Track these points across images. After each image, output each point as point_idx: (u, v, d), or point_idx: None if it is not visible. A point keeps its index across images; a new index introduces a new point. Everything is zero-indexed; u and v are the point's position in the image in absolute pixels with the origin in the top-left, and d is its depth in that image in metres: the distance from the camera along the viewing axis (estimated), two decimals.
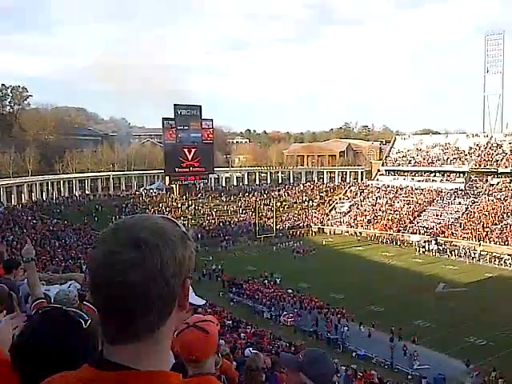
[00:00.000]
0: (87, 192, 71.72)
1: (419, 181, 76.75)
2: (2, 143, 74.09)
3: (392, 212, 70.58)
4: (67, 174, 76.18)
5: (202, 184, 77.30)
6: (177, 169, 72.76)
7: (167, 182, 73.91)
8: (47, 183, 68.90)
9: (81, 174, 75.60)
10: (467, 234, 59.37)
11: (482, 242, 56.78)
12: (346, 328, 32.05)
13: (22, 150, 75.62)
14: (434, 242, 58.96)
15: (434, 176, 76.55)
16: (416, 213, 68.75)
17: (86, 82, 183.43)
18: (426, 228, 63.64)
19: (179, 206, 70.31)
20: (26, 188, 65.10)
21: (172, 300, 1.04)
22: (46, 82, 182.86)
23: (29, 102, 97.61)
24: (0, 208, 52.66)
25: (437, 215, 66.62)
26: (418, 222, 66.30)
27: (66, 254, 45.23)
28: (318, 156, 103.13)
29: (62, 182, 70.49)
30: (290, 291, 40.32)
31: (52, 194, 68.09)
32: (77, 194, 69.57)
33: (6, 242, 41.20)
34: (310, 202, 78.25)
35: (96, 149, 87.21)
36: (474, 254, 54.50)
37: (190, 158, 73.74)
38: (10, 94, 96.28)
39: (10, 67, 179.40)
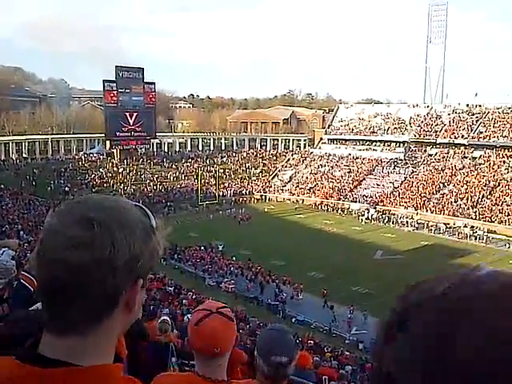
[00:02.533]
0: (24, 155, 69.04)
1: (360, 150, 78.14)
2: None
3: (333, 180, 71.80)
4: (3, 136, 73.04)
5: (143, 149, 75.99)
6: (118, 133, 71.06)
7: (108, 147, 72.30)
8: None
9: (18, 137, 72.54)
10: (405, 202, 61.32)
11: (419, 210, 58.80)
12: (285, 295, 32.91)
13: None
14: (373, 210, 60.62)
15: (375, 145, 78.15)
16: (356, 181, 70.23)
17: (22, 41, 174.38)
18: (366, 196, 65.21)
19: (120, 171, 68.96)
20: None
21: (116, 294, 0.92)
22: None
23: None
24: None
25: (377, 184, 68.35)
26: (358, 191, 67.84)
27: (2, 219, 43.97)
28: (262, 123, 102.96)
29: None
30: (234, 258, 40.69)
31: None
32: (13, 158, 67.15)
33: None
34: (253, 169, 78.50)
35: (34, 110, 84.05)
36: (412, 222, 56.46)
37: (131, 122, 72.05)
38: None
39: None
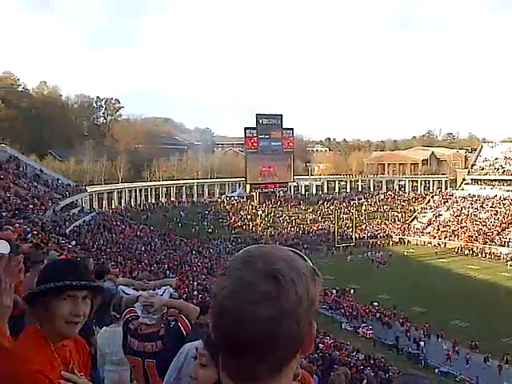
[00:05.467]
0: (172, 199, 74.52)
1: (508, 190, 73.24)
2: (95, 152, 78.32)
3: (479, 223, 67.79)
4: (154, 181, 79.43)
5: (281, 192, 77.97)
6: (257, 177, 73.90)
7: (248, 190, 75.21)
8: (135, 190, 72.33)
9: (167, 182, 78.73)
10: None
11: None
12: (423, 343, 31.51)
13: (114, 158, 79.76)
14: None
15: None
16: (504, 224, 65.65)
17: (174, 94, 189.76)
18: None
19: (259, 213, 71.25)
20: (116, 195, 68.79)
21: (300, 341, 0.94)
22: (139, 93, 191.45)
23: (120, 113, 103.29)
24: (92, 213, 55.53)
25: None
26: (506, 234, 63.28)
27: (151, 258, 47.01)
28: (400, 164, 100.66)
29: (149, 189, 73.87)
30: (375, 304, 39.86)
31: (140, 201, 71.43)
32: (163, 201, 72.71)
33: (96, 246, 43.78)
34: (391, 211, 76.78)
35: (181, 157, 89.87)
36: None
37: (270, 166, 74.67)
38: (104, 106, 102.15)
39: (105, 80, 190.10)
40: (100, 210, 61.28)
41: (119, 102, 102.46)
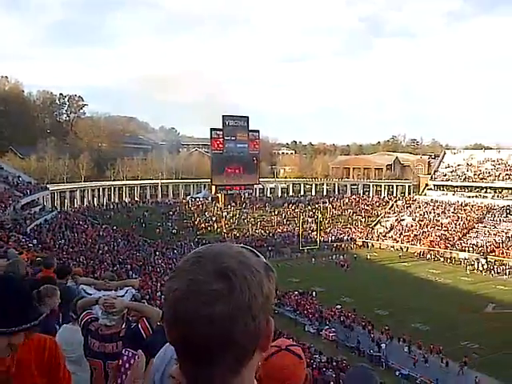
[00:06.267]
0: (136, 199, 73.67)
1: (469, 197, 74.95)
2: (57, 150, 76.80)
3: (440, 228, 69.11)
4: (118, 180, 78.52)
5: (246, 194, 77.90)
6: (223, 179, 73.64)
7: (213, 191, 74.90)
8: (98, 189, 71.26)
9: (131, 182, 77.89)
10: None
11: None
12: (384, 345, 31.81)
13: (76, 156, 78.34)
14: (483, 259, 57.39)
15: (485, 192, 74.58)
16: (465, 229, 67.11)
17: (138, 92, 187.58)
18: (476, 245, 61.94)
19: (224, 215, 71.02)
20: (79, 193, 67.62)
21: (257, 338, 0.93)
22: (102, 91, 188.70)
23: (84, 111, 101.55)
24: (53, 212, 54.45)
25: (487, 233, 64.84)
26: (467, 239, 64.68)
27: (113, 258, 46.37)
28: (364, 169, 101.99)
29: (112, 189, 72.84)
30: (339, 307, 39.94)
31: (103, 200, 70.30)
32: (126, 201, 71.65)
33: (57, 245, 42.88)
34: (355, 215, 77.57)
35: (146, 157, 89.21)
36: None
37: (236, 168, 74.52)
38: (67, 103, 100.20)
39: (69, 77, 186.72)
40: (62, 209, 60.13)
41: (83, 100, 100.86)
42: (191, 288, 0.89)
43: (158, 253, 53.98)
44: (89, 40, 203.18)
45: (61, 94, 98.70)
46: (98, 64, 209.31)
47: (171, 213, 68.15)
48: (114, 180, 78.57)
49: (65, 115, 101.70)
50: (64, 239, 46.39)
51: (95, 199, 69.55)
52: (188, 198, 77.12)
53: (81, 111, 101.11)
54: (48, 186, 62.01)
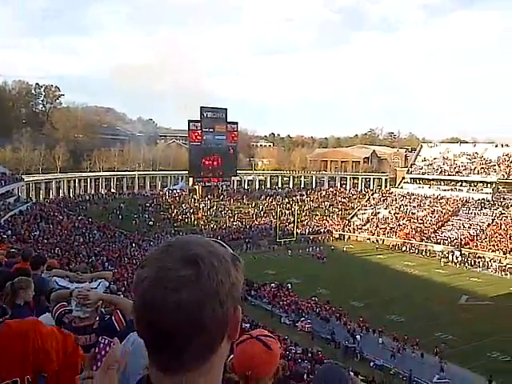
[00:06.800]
0: (113, 190, 72.84)
1: (445, 190, 75.96)
2: (33, 140, 75.63)
3: (416, 221, 69.94)
4: (94, 172, 77.54)
5: (224, 186, 77.73)
6: (200, 170, 73.33)
7: (190, 183, 74.58)
8: (74, 180, 70.23)
9: (107, 173, 76.91)
10: (493, 245, 58.48)
11: (508, 254, 55.84)
12: (359, 337, 32.15)
13: (52, 147, 77.23)
14: (458, 252, 58.31)
15: (461, 186, 75.64)
16: (440, 222, 68.03)
17: (116, 82, 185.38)
18: (451, 238, 62.88)
19: (201, 206, 70.78)
20: (54, 184, 66.60)
21: (224, 325, 0.96)
22: (79, 81, 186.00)
23: (60, 101, 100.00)
24: (28, 203, 53.70)
25: (462, 226, 65.82)
26: (442, 232, 65.59)
27: (89, 250, 46.00)
28: (342, 162, 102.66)
29: (88, 180, 71.87)
30: (315, 298, 40.11)
31: (79, 191, 69.40)
32: (103, 192, 70.76)
33: (32, 236, 42.30)
34: (332, 207, 78.02)
35: (123, 148, 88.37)
36: (500, 266, 53.71)
37: (213, 160, 74.23)
38: (43, 93, 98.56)
39: (45, 66, 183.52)
40: (37, 200, 59.26)
41: (59, 90, 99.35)
42: (159, 275, 0.90)
43: (134, 244, 53.57)
44: (66, 29, 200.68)
45: (37, 83, 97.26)
46: (76, 54, 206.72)
47: (148, 205, 67.60)
48: (90, 171, 77.56)
49: (41, 105, 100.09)
50: (39, 230, 45.91)
51: (71, 190, 68.51)
52: (165, 189, 76.59)
53: (57, 101, 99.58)
54: (23, 176, 61.30)
